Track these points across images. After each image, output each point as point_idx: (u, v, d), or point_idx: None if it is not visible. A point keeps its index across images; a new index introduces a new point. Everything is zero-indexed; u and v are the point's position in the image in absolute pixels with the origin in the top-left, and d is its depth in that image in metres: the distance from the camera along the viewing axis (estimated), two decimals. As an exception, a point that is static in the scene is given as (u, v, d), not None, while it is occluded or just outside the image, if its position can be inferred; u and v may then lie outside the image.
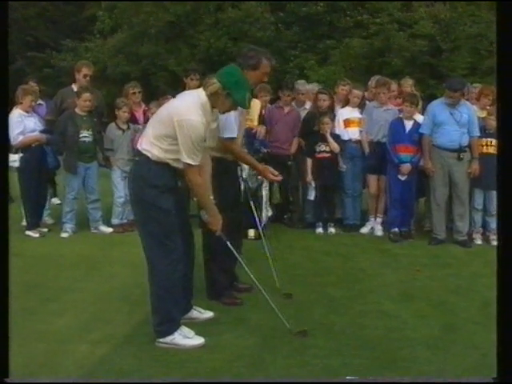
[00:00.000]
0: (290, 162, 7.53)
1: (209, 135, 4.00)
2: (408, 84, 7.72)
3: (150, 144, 3.86)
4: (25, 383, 3.47)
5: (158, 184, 3.86)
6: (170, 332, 3.96)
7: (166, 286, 3.94)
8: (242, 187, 5.12)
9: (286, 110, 7.57)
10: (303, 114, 7.58)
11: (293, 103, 7.83)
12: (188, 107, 3.80)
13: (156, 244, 3.92)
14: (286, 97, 7.58)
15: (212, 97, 3.84)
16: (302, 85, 7.93)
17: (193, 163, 3.80)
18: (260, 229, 5.66)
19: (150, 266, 3.98)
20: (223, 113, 4.07)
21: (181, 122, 3.73)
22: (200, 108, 3.80)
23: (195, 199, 4.85)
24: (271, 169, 4.97)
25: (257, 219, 5.58)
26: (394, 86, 7.49)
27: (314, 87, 8.03)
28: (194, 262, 4.38)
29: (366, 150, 7.20)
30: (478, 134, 6.74)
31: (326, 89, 7.70)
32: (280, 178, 5.04)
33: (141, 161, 3.97)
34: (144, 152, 3.89)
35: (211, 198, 4.13)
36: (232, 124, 4.52)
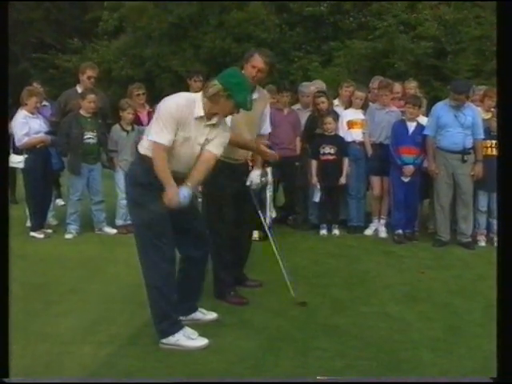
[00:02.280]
0: (297, 163, 7.55)
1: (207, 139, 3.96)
2: (412, 86, 7.70)
3: (143, 143, 3.95)
4: (25, 383, 3.48)
5: (143, 182, 3.87)
6: (171, 331, 3.96)
7: (157, 286, 3.95)
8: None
9: (286, 111, 7.57)
10: (307, 115, 7.58)
11: (298, 105, 7.84)
12: (170, 96, 3.90)
13: (146, 243, 3.93)
14: (284, 97, 7.58)
15: (213, 98, 3.81)
16: (306, 87, 7.91)
17: (157, 140, 3.76)
18: (270, 235, 5.60)
19: (141, 265, 4.00)
20: (225, 116, 4.06)
21: (159, 105, 3.87)
22: (185, 97, 3.89)
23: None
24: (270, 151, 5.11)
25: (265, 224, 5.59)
26: (397, 87, 7.48)
27: (317, 85, 7.99)
28: (205, 267, 4.37)
29: (369, 151, 7.20)
30: (482, 137, 6.72)
31: (323, 90, 7.69)
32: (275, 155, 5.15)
33: (133, 161, 4.04)
34: (138, 151, 3.95)
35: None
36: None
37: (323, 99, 7.30)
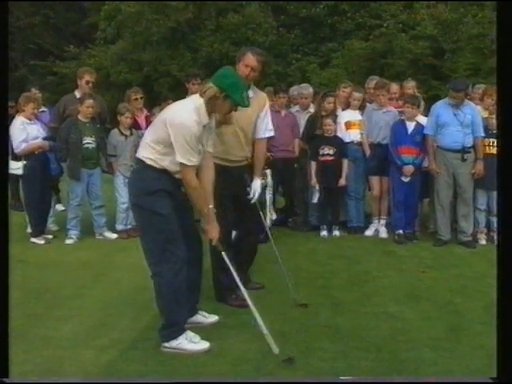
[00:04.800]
0: (296, 165, 7.56)
1: (207, 141, 4.02)
2: (410, 86, 7.71)
3: (147, 150, 3.91)
4: (25, 383, 3.48)
5: (154, 190, 3.88)
6: (173, 336, 3.96)
7: (168, 291, 3.94)
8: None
9: (283, 113, 7.56)
10: (307, 117, 7.58)
11: (296, 107, 7.85)
12: (180, 109, 3.87)
13: (157, 250, 3.91)
14: (281, 99, 7.57)
15: (211, 101, 3.85)
16: (305, 88, 7.92)
17: (187, 163, 3.80)
18: (270, 237, 5.55)
19: (152, 271, 3.99)
20: (224, 115, 4.06)
21: (173, 122, 3.78)
22: (194, 111, 3.83)
23: None
24: None
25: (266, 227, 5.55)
26: (395, 87, 7.48)
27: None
28: (202, 267, 4.38)
29: (367, 152, 7.21)
30: (483, 135, 6.71)
31: (331, 91, 7.70)
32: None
33: (138, 168, 4.01)
34: (142, 158, 3.92)
35: (211, 206, 4.08)
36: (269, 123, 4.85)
37: (331, 99, 7.31)
